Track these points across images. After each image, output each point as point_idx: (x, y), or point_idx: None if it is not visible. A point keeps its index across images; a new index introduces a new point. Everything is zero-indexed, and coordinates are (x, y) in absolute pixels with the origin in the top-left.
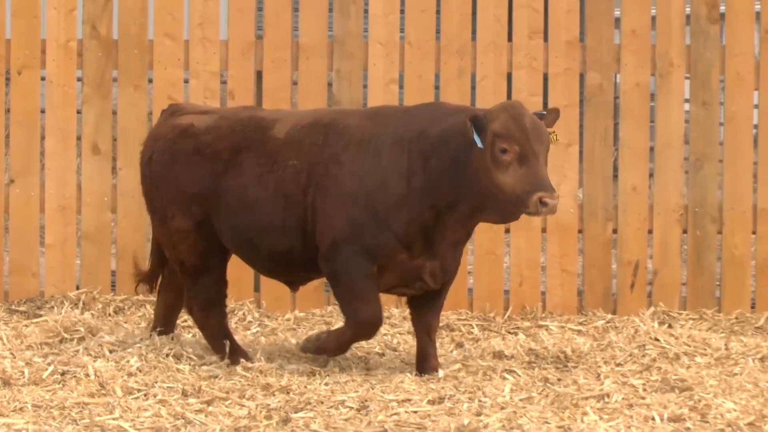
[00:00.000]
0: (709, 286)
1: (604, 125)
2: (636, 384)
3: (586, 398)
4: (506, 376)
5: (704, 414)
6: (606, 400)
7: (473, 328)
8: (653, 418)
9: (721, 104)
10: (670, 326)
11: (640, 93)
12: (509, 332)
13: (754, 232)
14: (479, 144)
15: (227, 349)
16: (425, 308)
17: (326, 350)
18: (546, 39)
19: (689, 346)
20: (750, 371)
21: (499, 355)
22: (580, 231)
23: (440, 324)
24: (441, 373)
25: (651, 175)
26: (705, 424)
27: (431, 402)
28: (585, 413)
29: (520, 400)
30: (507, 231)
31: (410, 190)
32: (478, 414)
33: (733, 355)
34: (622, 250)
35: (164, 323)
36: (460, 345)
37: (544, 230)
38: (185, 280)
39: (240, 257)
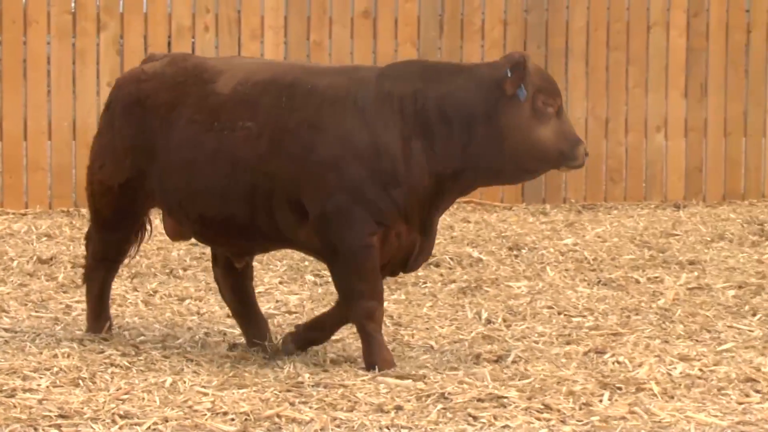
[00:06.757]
0: None
1: None
2: None
3: None
4: None
5: None
6: None
7: None
8: None
9: None
10: None
11: None
12: None
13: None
14: (523, 97)
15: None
16: None
17: (374, 363)
18: None
19: None
20: None
21: None
22: None
23: None
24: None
25: None
26: None
27: None
28: None
29: None
30: None
31: (407, 154)
32: None
33: None
34: None
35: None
36: None
37: None
38: (92, 228)
39: (174, 220)
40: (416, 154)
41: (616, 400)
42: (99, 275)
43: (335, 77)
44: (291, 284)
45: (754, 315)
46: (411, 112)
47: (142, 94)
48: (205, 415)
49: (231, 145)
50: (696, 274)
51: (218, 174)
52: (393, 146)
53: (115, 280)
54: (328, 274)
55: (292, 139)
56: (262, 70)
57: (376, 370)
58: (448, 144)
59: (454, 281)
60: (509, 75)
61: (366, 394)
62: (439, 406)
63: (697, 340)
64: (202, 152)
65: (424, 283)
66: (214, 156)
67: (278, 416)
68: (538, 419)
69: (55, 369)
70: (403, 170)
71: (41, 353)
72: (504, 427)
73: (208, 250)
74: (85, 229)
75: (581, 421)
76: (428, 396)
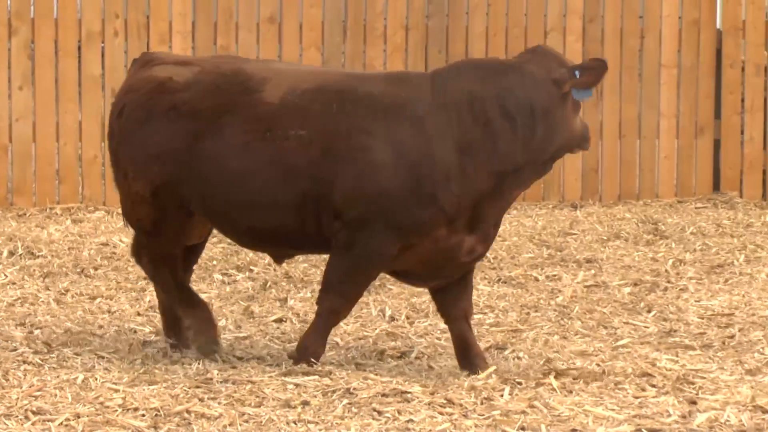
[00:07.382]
0: None
1: None
2: None
3: None
4: None
5: None
6: None
7: None
8: None
9: None
10: None
11: None
12: None
13: None
14: (586, 97)
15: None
16: (456, 291)
17: (308, 348)
18: None
19: None
20: None
21: None
22: None
23: None
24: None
25: None
26: None
27: None
28: None
29: None
30: None
31: (465, 159)
32: None
33: None
34: None
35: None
36: None
37: None
38: (142, 237)
39: (215, 228)
40: (475, 160)
41: (517, 395)
42: (164, 273)
43: (389, 86)
44: (199, 283)
45: (649, 311)
46: (469, 120)
47: (179, 100)
48: (116, 411)
49: (284, 154)
50: (593, 272)
51: (271, 183)
52: (447, 158)
53: (27, 279)
54: (236, 272)
55: (343, 143)
56: (310, 78)
57: (304, 352)
58: (510, 140)
59: None
60: (577, 76)
61: (273, 390)
62: (345, 401)
63: (594, 336)
64: (254, 162)
65: None
66: (267, 165)
67: (188, 412)
68: (441, 413)
69: None
70: (457, 180)
71: None
72: (408, 421)
73: (118, 249)
74: (6, 229)
75: (483, 415)
76: (334, 391)
